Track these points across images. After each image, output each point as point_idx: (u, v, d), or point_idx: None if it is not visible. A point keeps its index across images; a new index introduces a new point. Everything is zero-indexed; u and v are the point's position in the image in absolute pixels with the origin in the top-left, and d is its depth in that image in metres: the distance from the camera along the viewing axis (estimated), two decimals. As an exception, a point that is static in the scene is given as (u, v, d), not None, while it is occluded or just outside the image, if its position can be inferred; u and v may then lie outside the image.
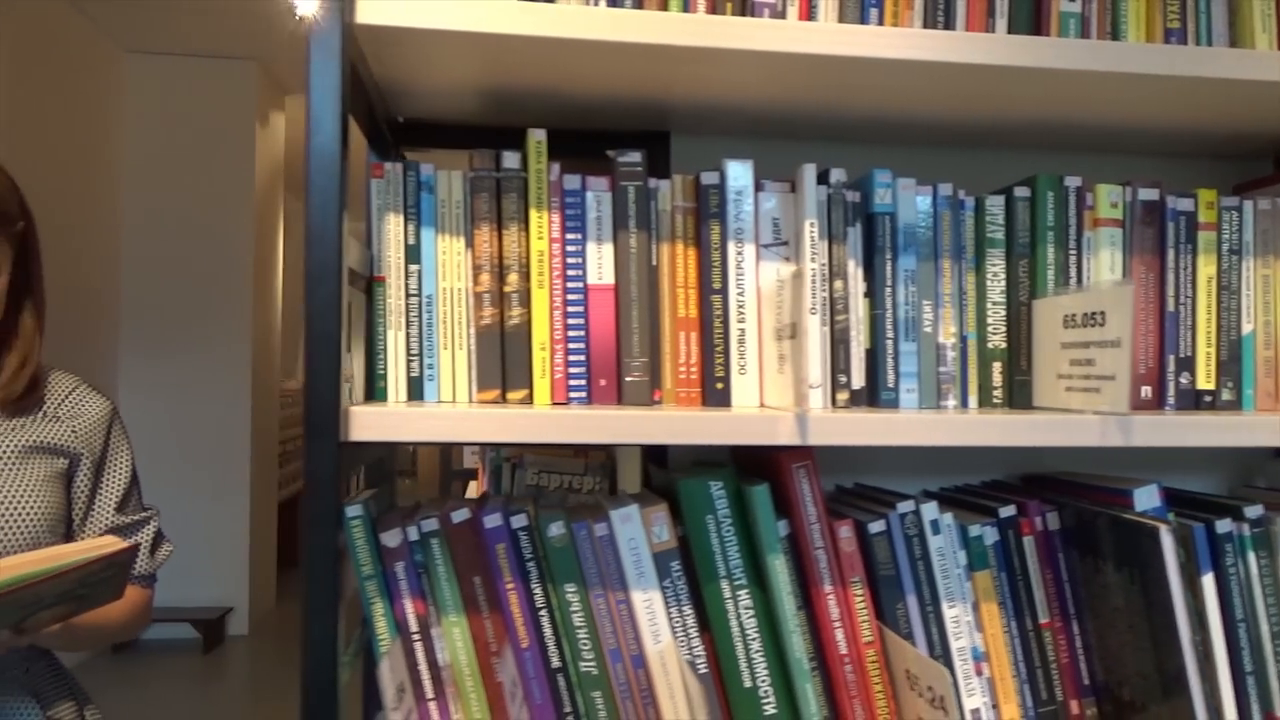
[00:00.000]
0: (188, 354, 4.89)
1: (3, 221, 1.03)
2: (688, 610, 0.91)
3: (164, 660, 4.37)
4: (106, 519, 1.19)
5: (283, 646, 4.64)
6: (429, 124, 1.10)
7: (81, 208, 4.51)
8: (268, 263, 5.34)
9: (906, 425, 0.83)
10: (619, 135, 1.10)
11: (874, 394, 0.96)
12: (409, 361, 0.89)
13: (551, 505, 0.96)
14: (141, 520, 1.23)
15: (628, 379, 0.92)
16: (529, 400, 0.90)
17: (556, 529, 0.88)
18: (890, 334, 0.96)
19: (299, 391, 6.96)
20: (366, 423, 0.74)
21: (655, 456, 1.12)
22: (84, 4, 4.38)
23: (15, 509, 1.06)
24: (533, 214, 0.90)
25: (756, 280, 0.94)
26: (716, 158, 1.14)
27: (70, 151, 4.43)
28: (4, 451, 1.09)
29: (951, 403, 0.98)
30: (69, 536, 1.15)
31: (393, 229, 0.89)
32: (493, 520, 0.87)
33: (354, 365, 0.87)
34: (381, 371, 0.89)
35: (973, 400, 0.99)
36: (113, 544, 0.91)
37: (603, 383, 0.92)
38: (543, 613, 0.88)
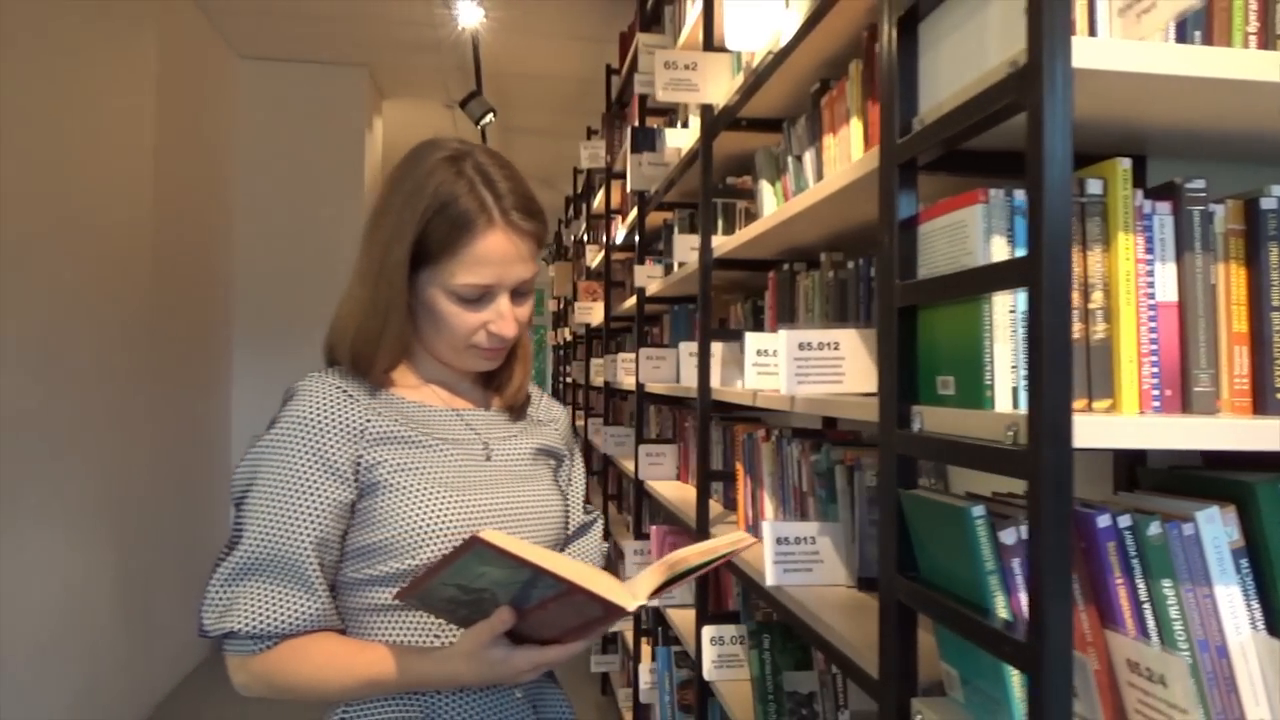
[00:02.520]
0: (298, 357, 4.92)
1: (543, 242, 1.10)
2: (1255, 605, 0.98)
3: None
4: (576, 516, 1.26)
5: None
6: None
7: (199, 213, 4.56)
8: (371, 266, 5.39)
9: None
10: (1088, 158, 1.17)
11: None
12: (1011, 371, 0.96)
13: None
14: (596, 517, 1.30)
15: (1196, 389, 0.99)
16: (1114, 409, 0.97)
17: (1155, 528, 0.95)
18: (1382, 348, 1.03)
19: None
20: (1093, 432, 0.81)
21: (1134, 457, 1.19)
22: (211, 10, 4.44)
23: (545, 506, 1.13)
24: (1120, 236, 0.97)
25: (1300, 297, 1.02)
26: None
27: (195, 155, 4.48)
28: (522, 453, 1.16)
29: None
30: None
31: (997, 253, 0.96)
32: (1104, 521, 0.94)
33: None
34: (988, 382, 0.96)
35: None
36: (746, 540, 0.97)
37: (1169, 393, 0.99)
38: (1145, 606, 0.95)
